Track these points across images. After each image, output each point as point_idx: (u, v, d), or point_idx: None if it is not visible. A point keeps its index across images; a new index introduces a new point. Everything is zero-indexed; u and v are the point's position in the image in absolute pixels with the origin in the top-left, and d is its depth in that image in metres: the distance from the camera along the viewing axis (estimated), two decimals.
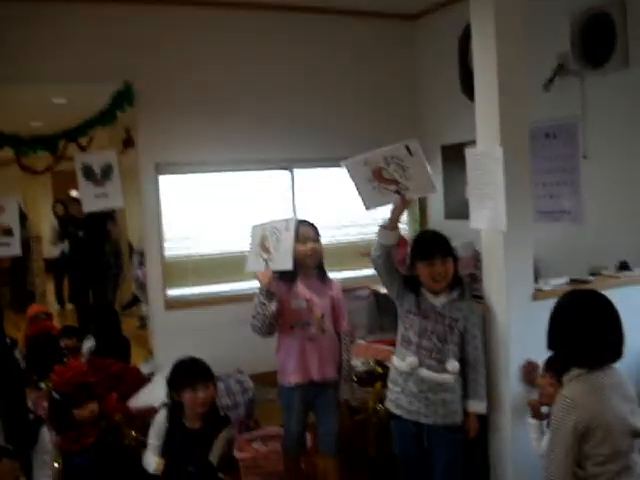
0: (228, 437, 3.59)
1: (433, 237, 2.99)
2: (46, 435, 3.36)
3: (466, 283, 3.00)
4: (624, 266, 3.66)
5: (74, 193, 6.05)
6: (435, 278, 2.90)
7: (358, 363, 4.14)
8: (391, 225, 2.93)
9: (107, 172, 4.62)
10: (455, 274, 2.95)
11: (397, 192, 2.89)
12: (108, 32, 4.90)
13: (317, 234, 3.54)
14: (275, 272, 3.36)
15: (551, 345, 2.50)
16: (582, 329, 2.38)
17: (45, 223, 9.89)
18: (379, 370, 4.17)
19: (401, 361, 2.98)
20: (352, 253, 5.64)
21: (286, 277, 3.45)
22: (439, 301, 2.94)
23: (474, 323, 2.97)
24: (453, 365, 2.90)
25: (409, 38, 5.95)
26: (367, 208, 3.02)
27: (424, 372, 2.91)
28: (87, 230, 6.04)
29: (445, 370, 2.90)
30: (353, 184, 2.98)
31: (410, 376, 2.93)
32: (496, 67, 3.00)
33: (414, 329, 2.96)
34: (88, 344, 4.93)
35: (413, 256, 2.96)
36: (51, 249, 8.77)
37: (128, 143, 5.51)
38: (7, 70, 4.61)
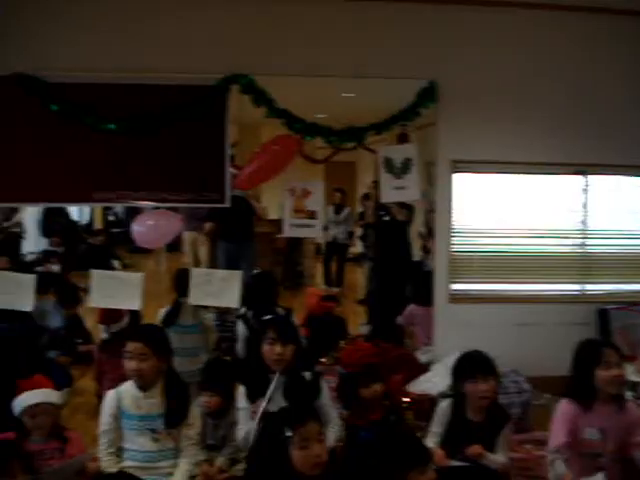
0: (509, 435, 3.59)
1: None
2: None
3: None
4: None
5: None
6: None
7: None
8: None
9: (406, 165, 4.82)
10: None
11: None
12: (413, 32, 5.07)
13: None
14: None
15: None
16: None
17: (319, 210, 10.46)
18: None
19: None
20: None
21: None
22: None
23: None
24: None
25: None
26: None
27: None
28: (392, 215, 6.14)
29: None
30: None
31: None
32: None
33: None
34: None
35: None
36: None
37: (403, 138, 5.53)
38: (301, 63, 4.97)
